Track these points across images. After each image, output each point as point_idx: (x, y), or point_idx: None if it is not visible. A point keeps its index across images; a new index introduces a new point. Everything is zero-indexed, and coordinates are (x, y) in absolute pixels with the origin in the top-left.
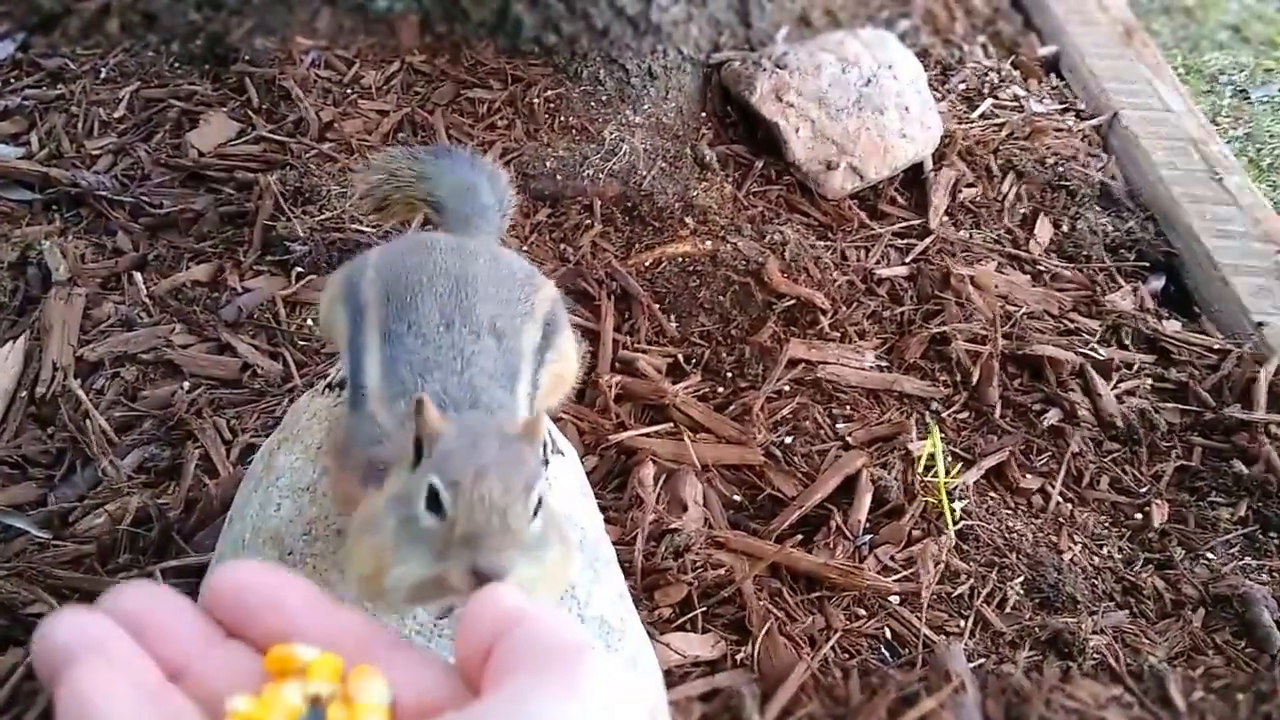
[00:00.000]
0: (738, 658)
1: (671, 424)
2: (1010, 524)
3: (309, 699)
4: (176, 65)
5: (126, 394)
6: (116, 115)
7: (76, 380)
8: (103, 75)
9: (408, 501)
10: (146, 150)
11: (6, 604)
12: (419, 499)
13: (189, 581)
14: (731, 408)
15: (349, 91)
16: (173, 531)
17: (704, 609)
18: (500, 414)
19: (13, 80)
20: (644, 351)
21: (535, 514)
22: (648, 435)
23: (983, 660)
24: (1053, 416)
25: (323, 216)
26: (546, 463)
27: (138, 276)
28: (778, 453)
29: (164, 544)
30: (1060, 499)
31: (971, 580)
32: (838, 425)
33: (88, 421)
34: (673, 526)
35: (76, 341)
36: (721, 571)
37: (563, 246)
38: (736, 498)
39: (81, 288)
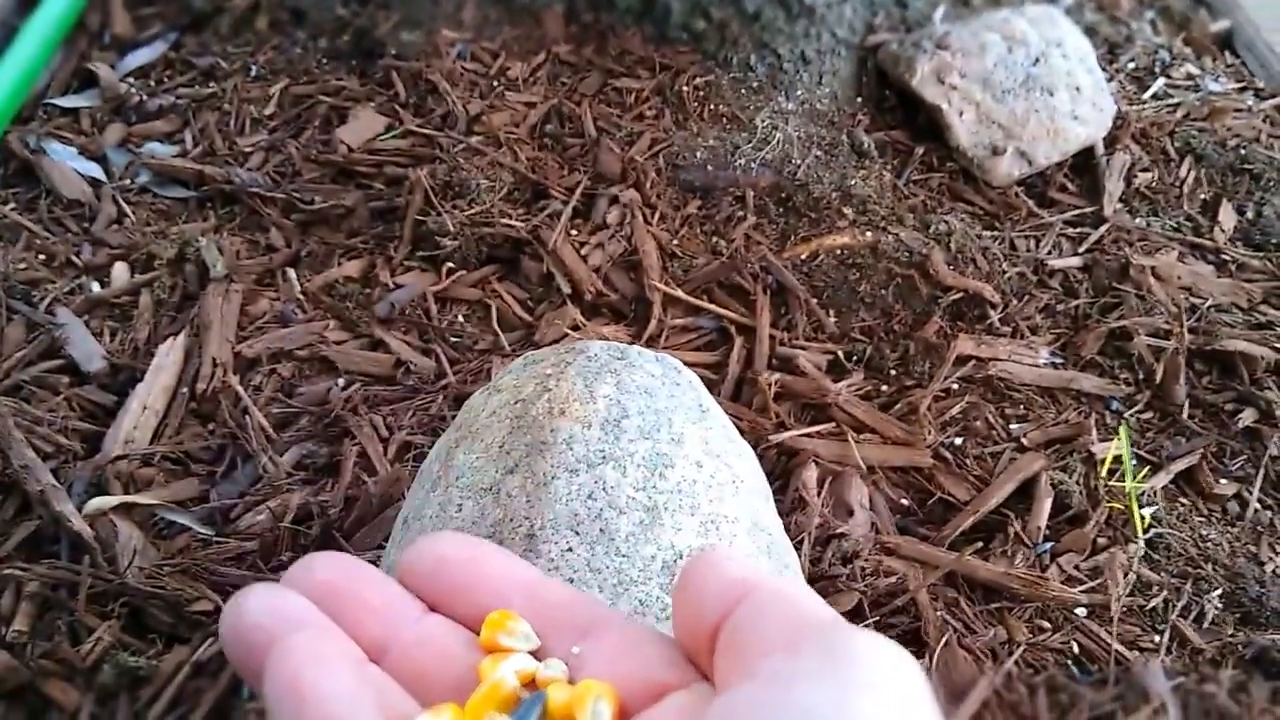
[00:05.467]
0: None
1: (834, 424)
2: (1204, 532)
3: (527, 680)
4: (324, 61)
5: (284, 390)
6: (267, 112)
7: (235, 376)
8: (253, 73)
9: None
10: (297, 146)
11: (172, 601)
12: None
13: None
14: (897, 407)
15: (495, 84)
16: (334, 529)
17: (876, 618)
18: None
19: (166, 79)
20: (803, 348)
21: None
22: (809, 435)
23: (1182, 679)
24: (1247, 417)
25: (472, 211)
26: None
27: (291, 273)
28: (948, 454)
29: (325, 542)
30: (1259, 506)
31: (1165, 592)
32: (1011, 426)
33: (247, 418)
34: (839, 531)
35: (234, 338)
36: (893, 580)
37: (715, 239)
38: (905, 502)
39: (238, 284)
